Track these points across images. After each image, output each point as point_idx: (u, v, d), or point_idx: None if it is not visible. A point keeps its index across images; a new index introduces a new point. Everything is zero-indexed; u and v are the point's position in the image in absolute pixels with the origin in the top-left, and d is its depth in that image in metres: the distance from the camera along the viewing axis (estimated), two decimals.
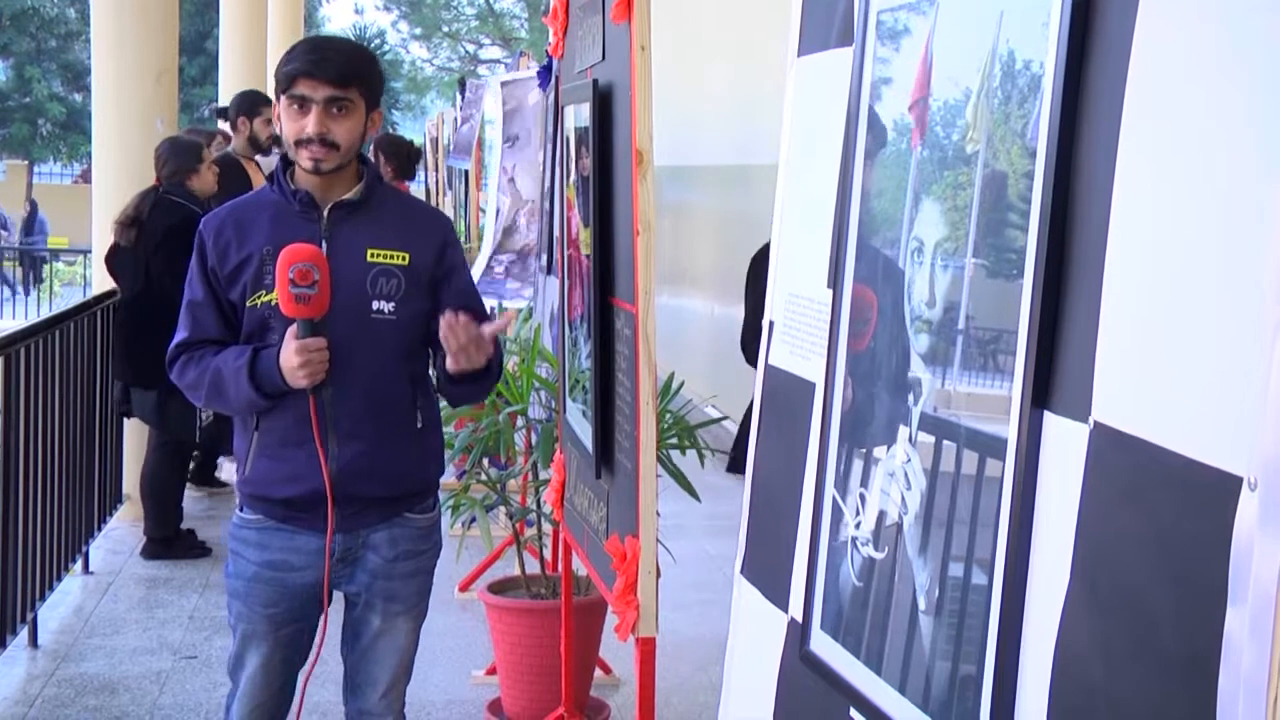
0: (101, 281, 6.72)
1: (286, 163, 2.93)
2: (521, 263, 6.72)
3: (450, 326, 2.80)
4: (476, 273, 6.87)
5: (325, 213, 2.91)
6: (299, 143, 2.84)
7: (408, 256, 2.93)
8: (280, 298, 2.79)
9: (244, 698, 3.01)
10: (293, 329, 2.81)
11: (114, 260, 6.35)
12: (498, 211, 6.95)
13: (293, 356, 2.79)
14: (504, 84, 7.07)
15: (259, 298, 2.89)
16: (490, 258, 6.86)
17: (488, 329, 2.84)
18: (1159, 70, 1.35)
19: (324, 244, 2.87)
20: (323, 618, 2.99)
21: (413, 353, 2.96)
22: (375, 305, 2.89)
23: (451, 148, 10.58)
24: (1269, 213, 1.18)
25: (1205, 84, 1.29)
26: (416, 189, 13.63)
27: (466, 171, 10.23)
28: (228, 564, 3.05)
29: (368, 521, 2.97)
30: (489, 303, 6.88)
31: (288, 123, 2.86)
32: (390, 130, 30.42)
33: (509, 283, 6.72)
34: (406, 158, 8.61)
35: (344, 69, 2.84)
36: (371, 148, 8.62)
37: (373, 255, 2.91)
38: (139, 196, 6.26)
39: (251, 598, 2.98)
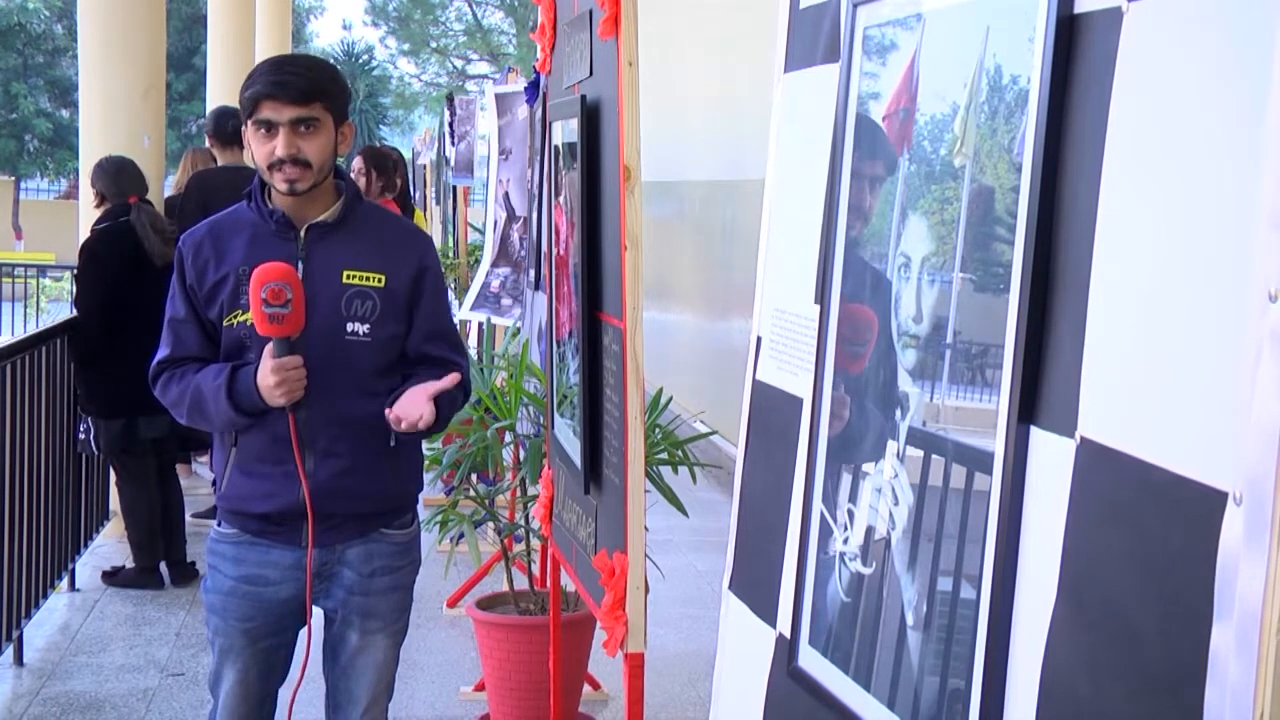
0: None
1: (264, 182, 2.92)
2: (515, 278, 6.71)
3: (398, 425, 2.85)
4: (475, 288, 6.84)
5: (302, 233, 2.90)
6: (271, 166, 2.83)
7: (384, 278, 2.92)
8: (254, 318, 2.78)
9: (224, 713, 3.01)
10: (269, 348, 2.79)
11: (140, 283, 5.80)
12: (495, 224, 6.94)
13: (269, 375, 2.78)
14: (498, 96, 7.06)
15: (235, 317, 2.89)
16: (488, 272, 6.83)
17: (427, 412, 2.83)
18: (1143, 85, 1.35)
19: (300, 265, 2.86)
20: (306, 633, 2.98)
21: (388, 372, 2.95)
22: (350, 327, 2.88)
23: (452, 166, 10.59)
24: (1253, 227, 1.18)
25: (1189, 99, 1.29)
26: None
27: (455, 188, 10.20)
28: (205, 579, 3.05)
29: (344, 537, 2.96)
30: (479, 318, 6.86)
31: (257, 148, 2.85)
32: (379, 144, 30.42)
33: (504, 300, 6.69)
34: (393, 169, 8.25)
35: (305, 88, 2.82)
36: (359, 160, 8.58)
37: (349, 276, 2.90)
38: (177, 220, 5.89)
39: (228, 612, 2.97)
